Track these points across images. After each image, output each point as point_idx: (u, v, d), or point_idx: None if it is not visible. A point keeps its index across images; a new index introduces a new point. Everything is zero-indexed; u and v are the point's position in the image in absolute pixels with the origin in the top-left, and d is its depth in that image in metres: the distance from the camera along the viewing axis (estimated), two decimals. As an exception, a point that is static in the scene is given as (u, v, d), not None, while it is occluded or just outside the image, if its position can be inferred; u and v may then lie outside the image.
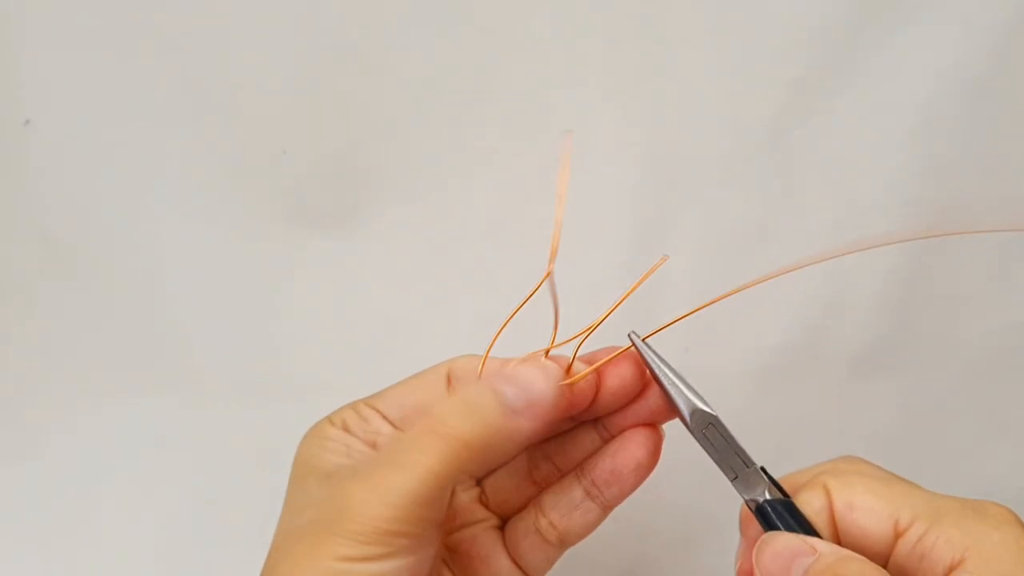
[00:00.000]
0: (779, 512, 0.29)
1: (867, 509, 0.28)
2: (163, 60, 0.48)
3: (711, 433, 0.31)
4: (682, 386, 0.31)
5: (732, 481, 0.30)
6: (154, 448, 0.53)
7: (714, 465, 0.31)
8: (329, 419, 0.33)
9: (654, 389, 0.32)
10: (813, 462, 0.54)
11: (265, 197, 0.51)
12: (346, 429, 0.32)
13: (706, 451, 0.31)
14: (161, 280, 0.51)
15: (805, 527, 0.29)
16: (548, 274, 0.30)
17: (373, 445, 0.32)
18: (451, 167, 0.50)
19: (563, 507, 0.34)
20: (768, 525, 0.29)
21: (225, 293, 0.52)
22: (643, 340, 0.31)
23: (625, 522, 0.51)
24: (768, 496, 0.30)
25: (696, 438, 0.31)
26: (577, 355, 0.32)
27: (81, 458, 0.53)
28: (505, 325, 0.32)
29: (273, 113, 0.49)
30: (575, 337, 0.32)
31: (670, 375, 0.31)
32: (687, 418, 0.31)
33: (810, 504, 0.29)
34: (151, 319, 0.52)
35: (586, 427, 0.35)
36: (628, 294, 0.31)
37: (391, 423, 0.33)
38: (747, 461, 0.31)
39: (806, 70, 0.48)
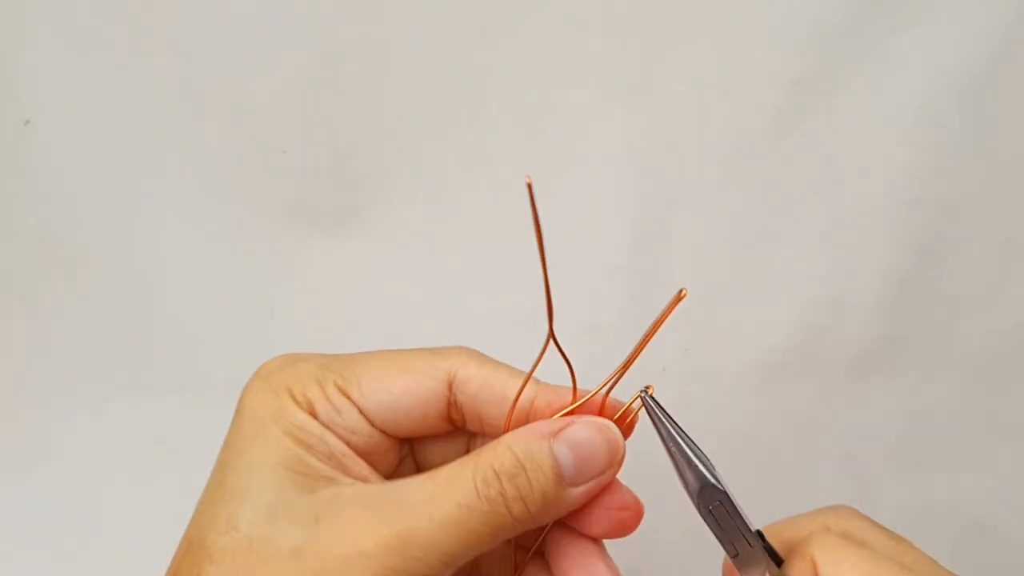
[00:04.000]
0: None
1: None
2: (163, 60, 0.48)
3: (717, 509, 0.29)
4: (693, 456, 0.28)
5: (733, 558, 0.29)
6: (154, 448, 0.53)
7: (718, 469, 0.30)
8: (289, 390, 0.28)
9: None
10: (813, 462, 0.55)
11: (265, 197, 0.51)
12: (313, 415, 0.28)
13: (708, 526, 0.29)
14: (161, 280, 0.51)
15: None
16: (549, 337, 0.27)
17: (344, 449, 0.28)
18: (451, 167, 0.50)
19: None
20: None
21: (225, 293, 0.52)
22: (653, 400, 0.28)
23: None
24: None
25: (701, 514, 0.29)
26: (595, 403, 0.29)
27: (81, 458, 0.53)
28: (523, 387, 0.28)
29: (273, 113, 0.49)
30: (604, 386, 0.29)
31: (681, 442, 0.28)
32: (694, 493, 0.28)
33: None
34: (151, 319, 0.52)
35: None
36: (652, 333, 0.28)
37: (370, 421, 0.28)
38: (750, 540, 0.29)
39: (806, 70, 0.48)
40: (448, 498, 0.25)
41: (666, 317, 0.28)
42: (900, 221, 0.50)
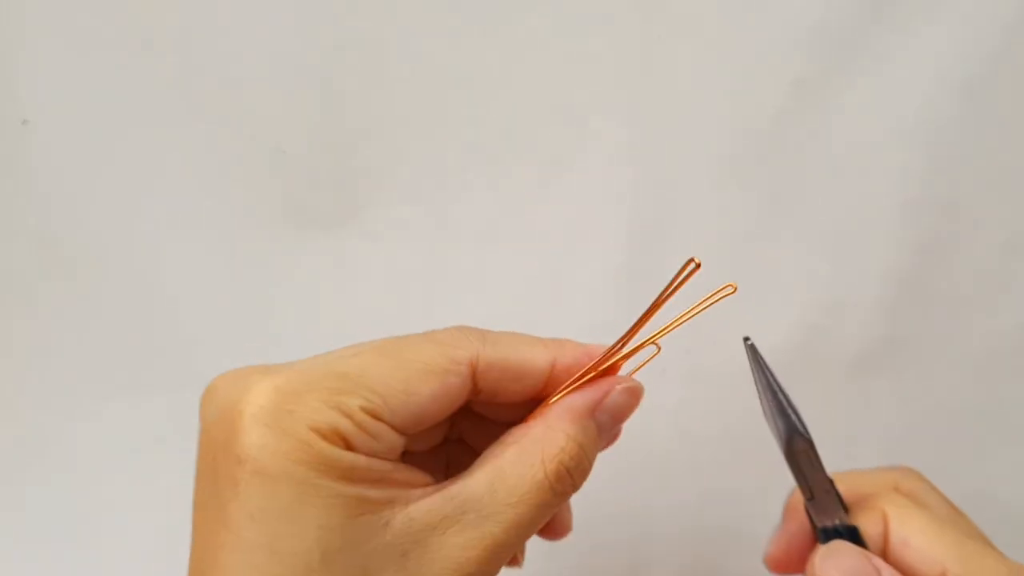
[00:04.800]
0: (842, 536, 0.30)
1: (921, 550, 0.29)
2: (162, 60, 0.48)
3: (800, 455, 0.31)
4: (786, 404, 0.30)
5: (808, 501, 0.31)
6: (154, 448, 0.53)
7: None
8: (316, 431, 0.24)
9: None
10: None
11: (265, 197, 0.50)
12: (351, 447, 0.25)
13: (792, 470, 0.31)
14: (161, 280, 0.51)
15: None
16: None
17: (389, 461, 0.26)
18: (451, 167, 0.50)
19: None
20: (826, 538, 0.30)
21: (224, 293, 0.52)
22: (754, 348, 0.31)
23: (628, 523, 0.51)
24: (838, 522, 0.30)
25: (787, 458, 0.31)
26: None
27: (81, 458, 0.53)
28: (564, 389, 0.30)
29: (272, 113, 0.49)
30: (613, 350, 0.30)
31: (777, 391, 0.31)
32: (784, 439, 0.30)
33: (867, 529, 0.30)
34: (151, 319, 0.52)
35: None
36: (662, 302, 0.30)
37: (404, 434, 0.26)
38: (827, 487, 0.31)
39: (807, 70, 0.48)
40: (528, 505, 0.26)
41: (680, 286, 0.31)
42: (900, 221, 0.50)
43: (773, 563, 0.33)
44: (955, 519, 0.31)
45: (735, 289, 0.30)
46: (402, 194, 0.51)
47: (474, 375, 0.27)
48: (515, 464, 0.26)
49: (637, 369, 0.31)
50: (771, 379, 0.31)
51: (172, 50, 0.48)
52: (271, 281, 0.52)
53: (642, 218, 0.50)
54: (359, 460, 0.24)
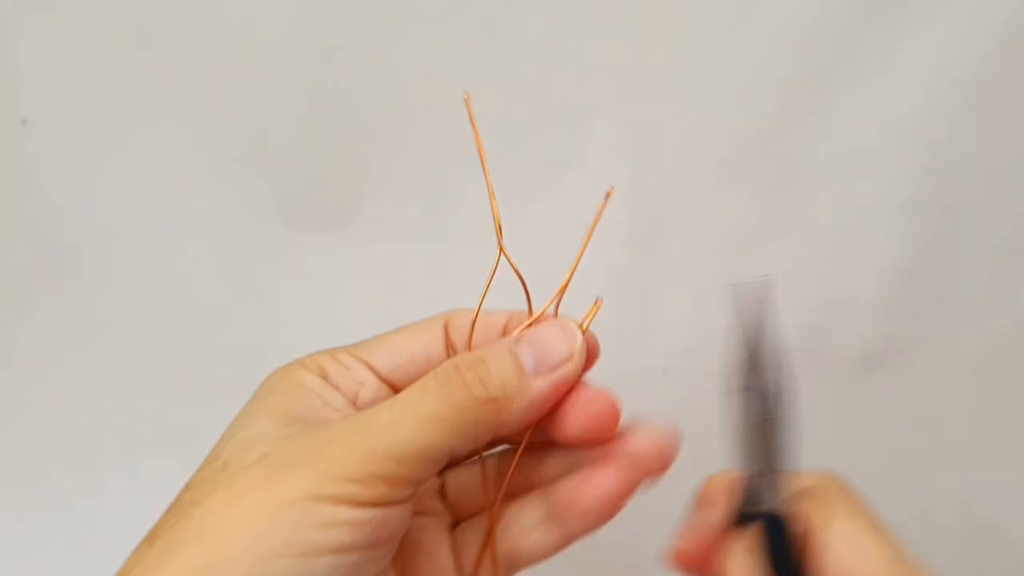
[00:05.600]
0: (773, 524, 0.28)
1: (841, 556, 0.27)
2: (161, 60, 0.48)
3: (773, 427, 0.28)
4: (772, 352, 0.28)
5: (749, 478, 0.28)
6: (154, 448, 0.53)
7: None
8: (302, 363, 0.30)
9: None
10: (812, 463, 0.54)
11: (264, 197, 0.51)
12: (324, 377, 0.30)
13: (744, 440, 0.28)
14: (160, 280, 0.51)
15: (786, 547, 0.27)
16: (499, 252, 0.31)
17: (355, 397, 0.30)
18: (451, 167, 0.50)
19: (520, 525, 0.31)
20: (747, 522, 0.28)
21: (224, 292, 0.52)
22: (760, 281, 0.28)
23: (627, 522, 0.51)
24: (774, 508, 0.28)
25: (747, 427, 0.28)
26: (581, 324, 0.30)
27: (81, 458, 0.53)
28: (480, 304, 0.31)
29: (272, 113, 0.49)
30: (553, 300, 0.31)
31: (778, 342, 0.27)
32: (765, 400, 0.28)
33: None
34: (150, 319, 0.52)
35: (562, 450, 0.32)
36: (587, 239, 0.32)
37: (378, 374, 0.30)
38: (777, 467, 0.28)
39: (806, 70, 0.48)
40: (408, 394, 0.27)
41: (597, 222, 0.32)
42: (900, 221, 0.50)
43: (681, 558, 0.30)
44: (886, 534, 0.29)
45: (612, 191, 0.32)
46: (402, 194, 0.51)
47: (447, 329, 0.32)
48: (413, 384, 0.28)
49: (586, 322, 0.31)
50: (772, 327, 0.28)
51: (171, 50, 0.48)
52: (271, 281, 0.52)
53: (642, 218, 0.50)
54: (314, 383, 0.29)
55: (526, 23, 0.48)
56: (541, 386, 0.28)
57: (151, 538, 0.26)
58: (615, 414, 0.30)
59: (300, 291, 0.52)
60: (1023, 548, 0.53)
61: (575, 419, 0.29)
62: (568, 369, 0.29)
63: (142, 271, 0.51)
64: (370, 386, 0.30)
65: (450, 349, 0.31)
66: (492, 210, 0.29)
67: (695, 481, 0.55)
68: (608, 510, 0.30)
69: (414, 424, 0.26)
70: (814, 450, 0.53)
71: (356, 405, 0.30)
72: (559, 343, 0.29)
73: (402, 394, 0.27)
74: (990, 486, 0.53)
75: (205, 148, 0.50)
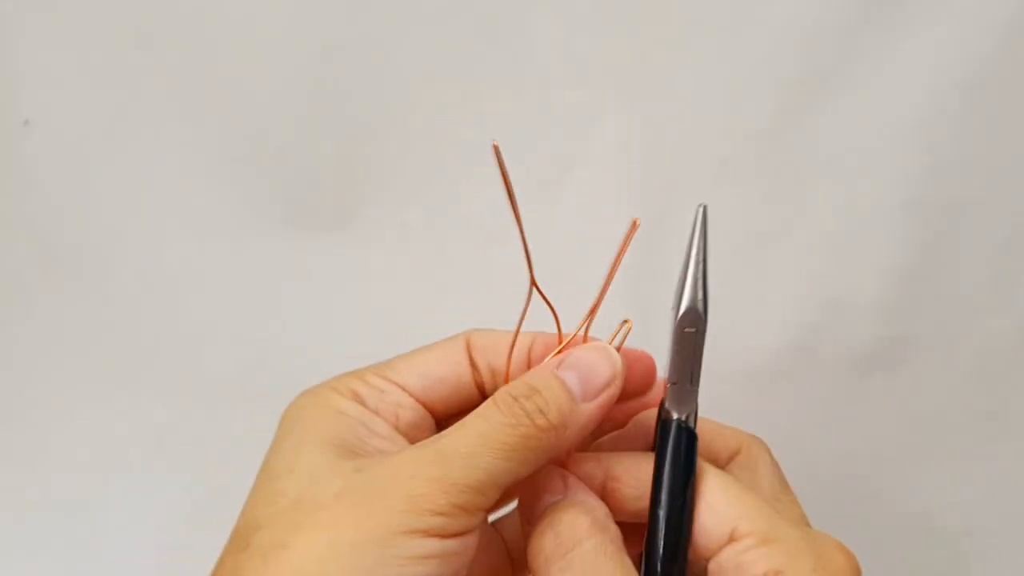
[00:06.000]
0: (679, 437, 0.30)
1: (713, 510, 0.28)
2: (162, 60, 0.48)
3: (687, 337, 0.30)
4: (702, 279, 0.30)
5: (671, 384, 0.30)
6: (154, 448, 0.53)
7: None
8: (332, 387, 0.30)
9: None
10: (813, 462, 0.54)
11: (264, 197, 0.51)
12: (360, 401, 0.30)
13: (671, 346, 0.30)
14: (160, 280, 0.51)
15: (688, 459, 0.29)
16: (531, 285, 0.31)
17: (395, 421, 0.30)
18: (451, 167, 0.50)
19: None
20: (662, 440, 0.30)
21: (224, 293, 0.52)
22: (704, 214, 0.30)
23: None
24: (684, 418, 0.30)
25: (673, 332, 0.30)
26: (612, 342, 0.31)
27: (81, 458, 0.53)
28: (516, 333, 0.31)
29: (272, 113, 0.49)
30: (584, 323, 0.31)
31: (701, 262, 0.30)
32: (679, 308, 0.30)
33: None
34: (150, 319, 0.52)
35: None
36: (616, 266, 0.32)
37: (412, 395, 0.31)
38: (694, 379, 0.30)
39: (806, 70, 0.48)
40: (474, 418, 0.27)
41: (625, 249, 0.32)
42: (900, 221, 0.50)
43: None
44: (776, 494, 0.31)
45: (639, 222, 0.32)
46: (402, 194, 0.51)
47: (469, 346, 0.32)
48: (473, 413, 0.28)
49: (618, 345, 0.31)
50: (703, 249, 0.30)
51: (172, 50, 0.48)
52: (271, 281, 0.52)
53: (642, 218, 0.50)
54: (355, 410, 0.29)
55: (526, 23, 0.48)
56: (591, 411, 0.29)
57: None
58: (653, 370, 0.33)
59: (300, 291, 0.52)
60: (1022, 548, 0.53)
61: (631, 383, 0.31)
62: (613, 392, 0.30)
63: (142, 271, 0.51)
64: (408, 408, 0.30)
65: (475, 370, 0.32)
66: (524, 250, 0.31)
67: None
68: None
69: (489, 455, 0.26)
70: (814, 449, 0.54)
71: (398, 429, 0.30)
72: (603, 366, 0.30)
73: (467, 424, 0.27)
74: (989, 486, 0.53)
75: (205, 148, 0.50)
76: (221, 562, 0.26)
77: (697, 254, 0.30)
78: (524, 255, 0.30)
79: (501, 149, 0.28)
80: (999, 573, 0.53)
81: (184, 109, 0.49)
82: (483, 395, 0.32)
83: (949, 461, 0.53)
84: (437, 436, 0.27)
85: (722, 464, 0.32)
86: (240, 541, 0.26)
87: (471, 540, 0.26)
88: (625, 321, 0.32)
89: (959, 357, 0.52)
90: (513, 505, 0.34)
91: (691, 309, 0.30)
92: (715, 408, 0.53)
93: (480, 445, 0.26)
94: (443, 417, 0.32)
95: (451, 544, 0.25)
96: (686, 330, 0.30)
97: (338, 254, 0.51)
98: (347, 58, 0.48)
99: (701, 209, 0.30)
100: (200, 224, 0.51)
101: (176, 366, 0.52)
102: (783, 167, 0.50)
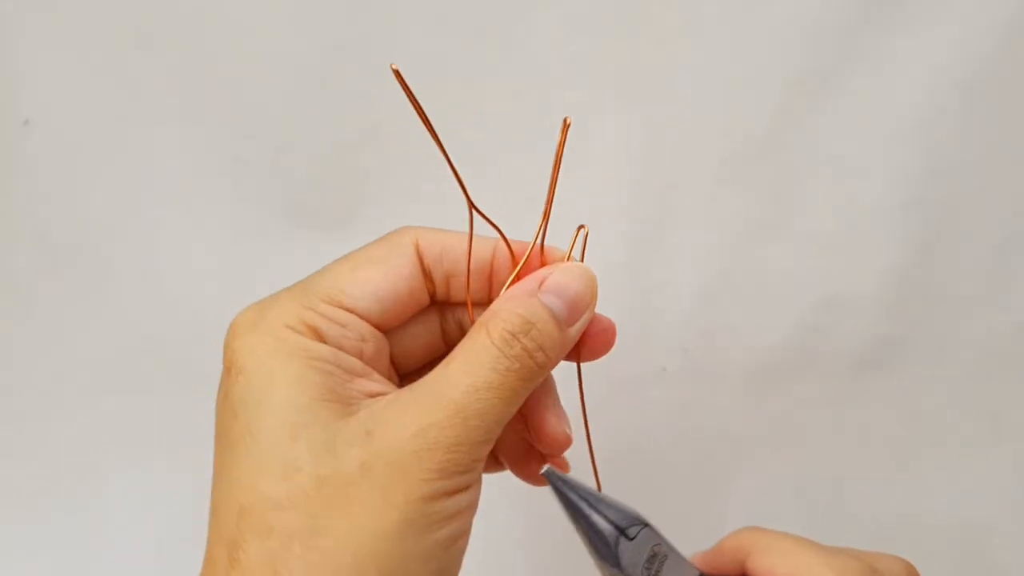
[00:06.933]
0: None
1: (780, 563, 0.30)
2: (162, 60, 0.48)
3: (659, 559, 0.29)
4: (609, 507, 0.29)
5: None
6: (154, 447, 0.53)
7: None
8: (286, 324, 0.28)
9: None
10: (813, 462, 0.54)
11: (265, 197, 0.51)
12: (322, 339, 0.27)
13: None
14: (160, 280, 0.51)
15: None
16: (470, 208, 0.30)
17: (360, 355, 0.28)
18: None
19: None
20: None
21: (224, 292, 0.52)
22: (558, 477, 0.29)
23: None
24: None
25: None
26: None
27: (81, 458, 0.53)
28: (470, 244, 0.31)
29: (273, 113, 0.49)
30: (537, 236, 0.31)
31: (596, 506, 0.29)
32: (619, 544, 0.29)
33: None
34: (150, 319, 0.52)
35: None
36: (557, 164, 0.32)
37: (371, 323, 0.29)
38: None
39: (806, 70, 0.48)
40: (481, 368, 0.26)
41: (561, 151, 0.31)
42: (900, 221, 0.50)
43: None
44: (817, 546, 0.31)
45: (570, 120, 0.32)
46: (402, 194, 0.51)
47: (420, 255, 0.30)
48: (463, 346, 0.27)
49: (580, 252, 0.31)
50: (586, 497, 0.29)
51: (172, 50, 0.48)
52: (271, 281, 0.52)
53: (642, 218, 0.50)
54: (324, 352, 0.27)
55: (527, 23, 0.48)
56: (574, 336, 0.29)
57: (277, 571, 0.24)
58: (615, 334, 0.32)
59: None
60: (1022, 548, 0.53)
61: (591, 346, 0.31)
62: (590, 315, 0.30)
63: (142, 271, 0.51)
64: (371, 340, 0.29)
65: (427, 279, 0.31)
66: (452, 171, 0.31)
67: (695, 481, 0.55)
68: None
69: (500, 405, 0.26)
70: (813, 449, 0.54)
71: (363, 359, 0.28)
72: (584, 289, 0.29)
73: (474, 372, 0.26)
74: (989, 486, 0.53)
75: (205, 148, 0.50)
76: (236, 543, 0.25)
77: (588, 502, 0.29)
78: (455, 178, 0.30)
79: (402, 72, 0.29)
80: (999, 571, 0.53)
81: (184, 109, 0.49)
82: (433, 301, 0.31)
83: (948, 461, 0.53)
84: (438, 381, 0.26)
85: None
86: (257, 521, 0.25)
87: (480, 481, 0.27)
88: (581, 226, 0.31)
89: (959, 357, 0.52)
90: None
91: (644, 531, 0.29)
92: (715, 408, 0.54)
93: (493, 398, 0.26)
94: (392, 329, 0.30)
95: (472, 493, 0.26)
96: (657, 557, 0.30)
97: (338, 254, 0.51)
98: (347, 58, 0.48)
99: (547, 473, 0.29)
100: (200, 224, 0.51)
101: (176, 365, 0.52)
102: (783, 167, 0.50)
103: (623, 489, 0.50)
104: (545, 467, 0.29)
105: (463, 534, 0.26)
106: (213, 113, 0.49)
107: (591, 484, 0.30)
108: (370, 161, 0.50)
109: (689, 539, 0.53)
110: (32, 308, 0.52)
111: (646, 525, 0.29)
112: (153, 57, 0.48)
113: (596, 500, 0.29)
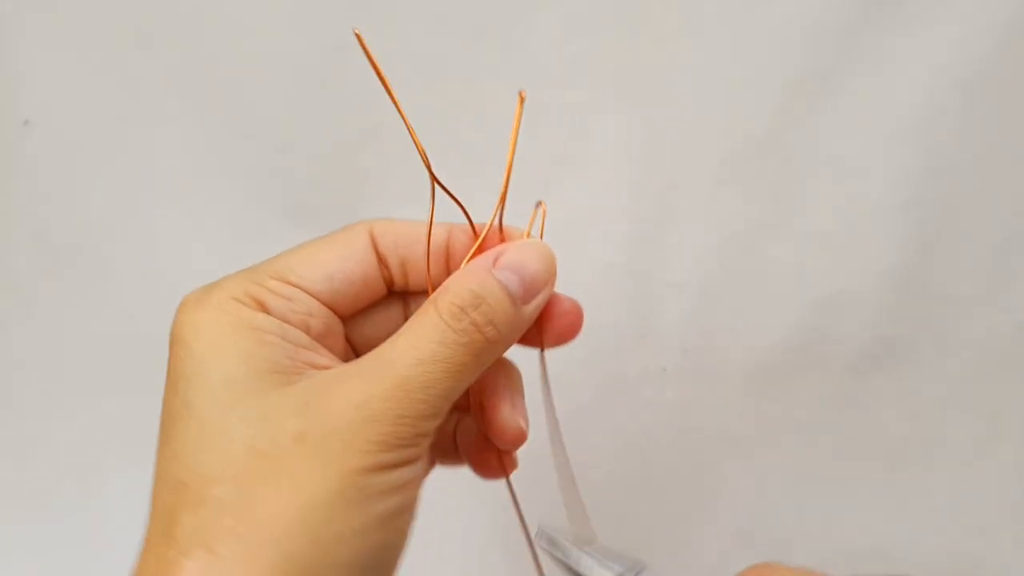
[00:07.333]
0: None
1: None
2: (162, 60, 0.48)
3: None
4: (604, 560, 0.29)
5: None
6: (154, 448, 0.53)
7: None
8: (232, 296, 0.27)
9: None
10: (813, 463, 0.54)
11: (265, 197, 0.51)
12: (267, 312, 0.27)
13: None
14: (160, 280, 0.51)
15: None
16: (432, 182, 0.30)
17: (307, 330, 0.28)
18: (451, 167, 0.50)
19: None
20: None
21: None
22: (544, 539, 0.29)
23: (627, 522, 0.51)
24: None
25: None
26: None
27: (81, 458, 0.53)
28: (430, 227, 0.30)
29: (273, 113, 0.49)
30: (496, 213, 0.30)
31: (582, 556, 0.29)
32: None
33: None
34: (150, 319, 0.52)
35: None
36: (514, 137, 0.31)
37: (319, 300, 0.28)
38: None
39: (806, 70, 0.48)
40: (427, 342, 0.26)
41: (518, 125, 0.31)
42: (900, 221, 0.50)
43: None
44: None
45: (524, 94, 0.31)
46: (402, 194, 0.51)
47: (374, 242, 0.30)
48: (412, 321, 0.27)
49: (537, 226, 0.31)
50: (581, 559, 0.29)
51: (172, 50, 0.48)
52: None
53: (642, 218, 0.50)
54: (267, 323, 0.26)
55: (527, 23, 0.48)
56: (530, 314, 0.28)
57: (208, 544, 0.24)
58: (581, 319, 0.31)
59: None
60: (1020, 548, 0.53)
61: (553, 329, 0.30)
62: (549, 292, 0.29)
63: (142, 270, 0.51)
64: (318, 316, 0.28)
65: (383, 265, 0.30)
66: (414, 143, 0.30)
67: (695, 481, 0.55)
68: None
69: (447, 379, 0.26)
70: (813, 449, 0.54)
71: (310, 334, 0.28)
72: (540, 266, 0.29)
73: (419, 344, 0.26)
74: (989, 487, 0.53)
75: (205, 148, 0.50)
76: (172, 517, 0.25)
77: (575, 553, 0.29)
78: (417, 151, 0.30)
79: (364, 37, 0.28)
80: (999, 572, 0.53)
81: (184, 109, 0.49)
82: (391, 290, 0.31)
83: (948, 461, 0.53)
84: (383, 354, 0.26)
85: None
86: (191, 495, 0.24)
87: (426, 456, 0.26)
88: (539, 203, 0.31)
89: (959, 357, 0.52)
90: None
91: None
92: (715, 408, 0.54)
93: (439, 371, 0.26)
94: (348, 315, 0.30)
95: (415, 468, 0.26)
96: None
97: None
98: (347, 58, 0.48)
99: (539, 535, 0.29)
100: (200, 224, 0.51)
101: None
102: (783, 167, 0.50)
103: (622, 488, 0.50)
104: (536, 529, 0.29)
105: (405, 509, 0.26)
106: (213, 113, 0.49)
107: (569, 497, 0.30)
108: (370, 161, 0.50)
109: (689, 539, 0.53)
110: (32, 308, 0.52)
111: (643, 570, 0.29)
112: (153, 57, 0.48)
113: (592, 557, 0.28)
